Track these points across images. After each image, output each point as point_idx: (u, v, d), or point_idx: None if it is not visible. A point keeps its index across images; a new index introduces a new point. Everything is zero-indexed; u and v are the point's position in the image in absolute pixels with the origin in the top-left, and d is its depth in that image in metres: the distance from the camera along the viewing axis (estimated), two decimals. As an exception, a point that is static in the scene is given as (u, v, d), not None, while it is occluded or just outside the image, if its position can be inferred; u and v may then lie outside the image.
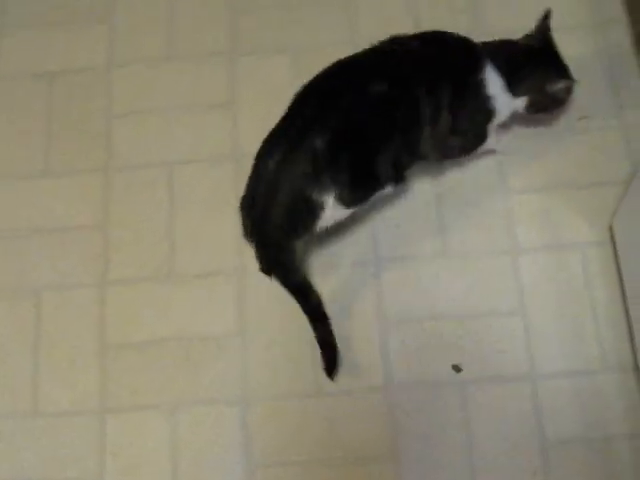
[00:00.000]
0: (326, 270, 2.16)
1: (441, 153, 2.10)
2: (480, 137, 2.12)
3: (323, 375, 2.03)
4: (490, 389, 2.04)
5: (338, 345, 2.00)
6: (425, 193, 2.23)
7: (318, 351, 2.01)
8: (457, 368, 2.05)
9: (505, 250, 2.17)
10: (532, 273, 2.13)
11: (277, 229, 1.92)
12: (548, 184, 2.22)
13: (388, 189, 2.04)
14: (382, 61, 1.98)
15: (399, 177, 2.03)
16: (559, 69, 2.13)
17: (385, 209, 2.20)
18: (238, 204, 1.98)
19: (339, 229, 2.15)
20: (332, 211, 1.94)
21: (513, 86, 2.07)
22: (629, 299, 2.02)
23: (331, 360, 2.01)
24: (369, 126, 1.92)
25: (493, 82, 2.04)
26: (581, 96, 2.24)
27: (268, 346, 2.10)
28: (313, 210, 1.91)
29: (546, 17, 2.13)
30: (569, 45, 2.19)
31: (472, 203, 2.20)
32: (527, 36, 2.15)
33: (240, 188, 2.15)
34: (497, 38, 2.12)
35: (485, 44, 2.08)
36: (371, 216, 2.19)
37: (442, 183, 2.23)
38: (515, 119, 2.19)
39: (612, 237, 2.12)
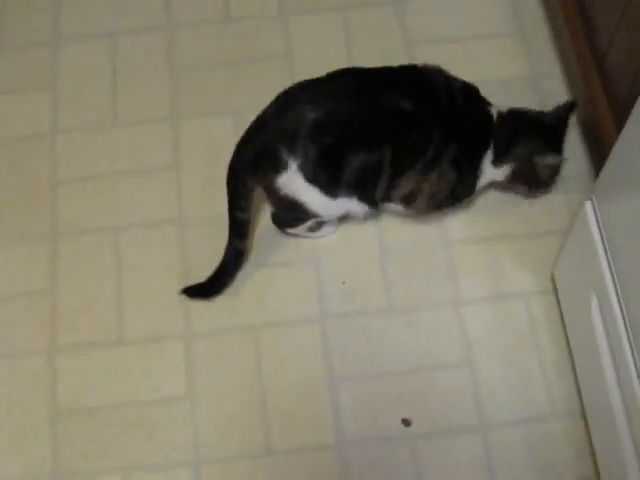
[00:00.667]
0: (271, 327, 2.18)
1: (408, 201, 2.11)
2: (455, 200, 2.16)
3: (274, 434, 2.05)
4: (441, 442, 2.06)
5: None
6: (370, 248, 2.26)
7: (267, 411, 2.02)
8: (407, 422, 2.07)
9: (449, 302, 2.20)
10: (477, 324, 2.16)
11: (246, 163, 2.01)
12: (489, 235, 2.26)
13: (350, 203, 2.08)
14: (416, 84, 2.04)
15: (360, 192, 2.06)
16: (554, 145, 2.16)
17: (331, 265, 2.22)
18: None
19: (286, 285, 2.17)
20: (291, 176, 1.98)
21: (501, 154, 2.12)
22: (573, 347, 2.05)
23: (215, 282, 2.15)
24: (363, 125, 1.98)
25: (487, 158, 2.10)
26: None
27: (217, 408, 2.10)
28: (276, 164, 1.98)
29: (571, 107, 2.18)
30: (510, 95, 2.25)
31: (415, 256, 2.24)
32: (542, 112, 2.18)
33: (186, 251, 2.18)
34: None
35: (498, 114, 2.12)
36: (317, 272, 2.20)
37: (386, 237, 2.26)
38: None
39: (554, 285, 2.15)
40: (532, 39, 2.53)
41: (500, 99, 2.19)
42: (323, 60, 2.48)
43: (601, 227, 1.79)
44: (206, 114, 2.44)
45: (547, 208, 2.29)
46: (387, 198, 2.08)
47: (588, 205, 1.83)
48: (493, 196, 2.30)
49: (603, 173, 1.74)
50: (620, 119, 1.95)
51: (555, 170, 2.18)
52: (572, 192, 2.30)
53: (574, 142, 2.36)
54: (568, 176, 2.31)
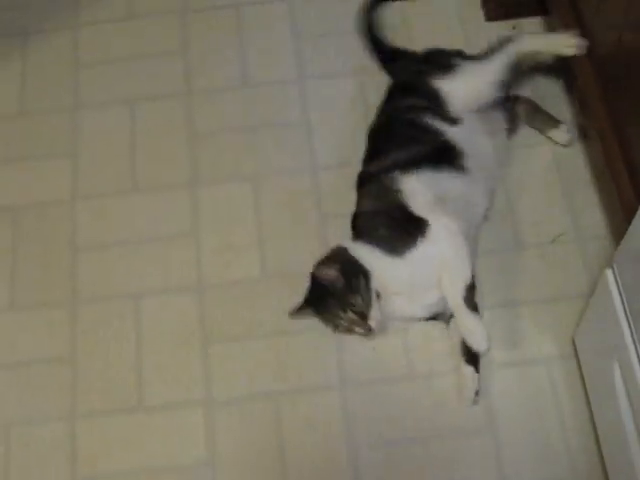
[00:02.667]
0: (292, 394, 2.17)
1: None
2: None
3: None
4: (463, 508, 2.04)
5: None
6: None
7: (289, 478, 2.04)
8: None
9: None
10: (499, 389, 2.16)
11: None
12: (509, 299, 2.26)
13: None
14: None
15: None
16: None
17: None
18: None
19: (306, 351, 2.19)
20: None
21: None
22: (595, 412, 2.04)
23: None
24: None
25: None
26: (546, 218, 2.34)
27: (238, 475, 2.10)
28: None
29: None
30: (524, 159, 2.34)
31: (436, 323, 2.22)
32: None
33: (205, 317, 2.19)
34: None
35: None
36: (337, 338, 2.20)
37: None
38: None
39: (575, 350, 2.14)
40: (548, 102, 2.52)
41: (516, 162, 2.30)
42: (343, 124, 2.50)
43: (622, 295, 1.78)
44: (225, 180, 2.46)
45: (565, 271, 2.29)
46: None
47: (609, 273, 1.83)
48: (512, 259, 2.30)
49: (624, 242, 1.74)
50: (638, 181, 1.97)
51: None
52: (590, 255, 2.31)
53: (592, 202, 2.37)
54: (586, 238, 2.32)
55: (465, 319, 1.99)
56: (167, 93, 2.59)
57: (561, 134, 2.43)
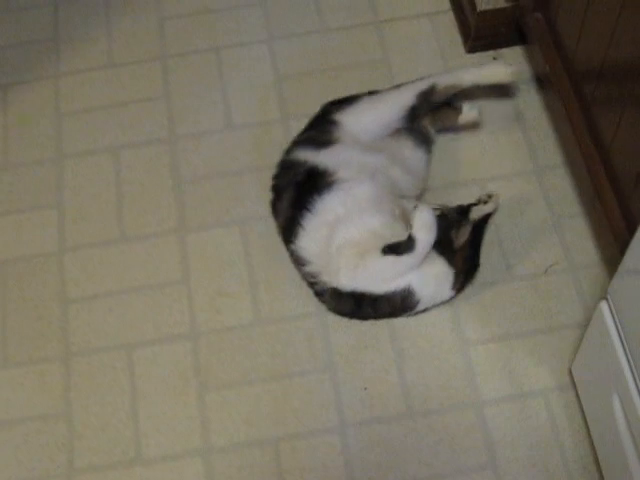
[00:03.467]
0: (291, 439, 2.16)
1: None
2: None
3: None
4: None
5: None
6: (385, 354, 2.24)
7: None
8: (434, 531, 2.04)
9: (469, 403, 2.18)
10: (498, 424, 2.15)
11: None
12: (503, 332, 2.26)
13: None
14: None
15: None
16: None
17: (347, 372, 2.22)
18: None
19: (303, 395, 2.18)
20: None
21: None
22: (595, 442, 2.03)
23: None
24: None
25: None
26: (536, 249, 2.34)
27: (242, 526, 2.08)
28: None
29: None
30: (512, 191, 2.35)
31: (431, 358, 2.23)
32: None
33: (199, 364, 2.17)
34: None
35: None
36: (333, 380, 2.20)
37: (401, 341, 2.24)
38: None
39: (572, 380, 2.14)
40: (533, 132, 2.53)
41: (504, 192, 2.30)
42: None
43: (618, 326, 1.78)
44: (213, 225, 2.44)
45: (559, 300, 2.29)
46: None
47: (604, 305, 1.83)
48: (505, 291, 2.30)
49: (617, 274, 1.74)
50: (627, 210, 1.97)
51: None
52: (583, 283, 2.31)
53: (582, 232, 2.37)
54: (578, 266, 2.32)
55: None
56: (151, 139, 2.58)
57: (469, 114, 2.43)
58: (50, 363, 2.29)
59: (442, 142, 2.54)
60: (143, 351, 2.28)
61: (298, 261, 2.20)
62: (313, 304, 2.27)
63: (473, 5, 2.58)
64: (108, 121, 2.64)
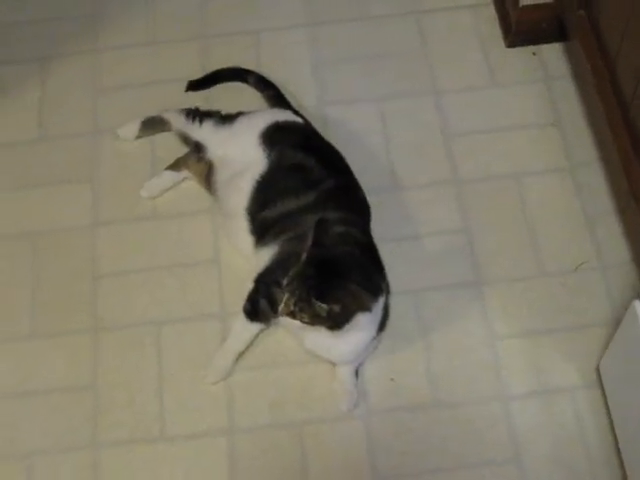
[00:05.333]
0: (316, 423, 2.17)
1: None
2: None
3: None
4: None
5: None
6: (413, 345, 2.24)
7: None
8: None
9: (495, 397, 2.18)
10: (524, 419, 2.15)
11: None
12: (532, 328, 2.26)
13: None
14: None
15: None
16: None
17: (375, 361, 2.21)
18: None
19: (330, 381, 2.17)
20: None
21: None
22: (620, 442, 2.03)
23: None
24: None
25: None
26: (568, 246, 2.33)
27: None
28: None
29: None
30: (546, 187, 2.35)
31: (460, 351, 2.22)
32: None
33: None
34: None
35: None
36: (361, 368, 2.20)
37: (429, 333, 2.25)
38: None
39: (599, 378, 2.13)
40: (569, 129, 2.52)
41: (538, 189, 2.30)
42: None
43: (651, 326, 1.78)
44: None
45: (588, 298, 2.29)
46: None
47: (637, 304, 1.83)
48: (535, 287, 2.30)
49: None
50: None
51: None
52: (613, 282, 2.31)
53: (614, 231, 2.36)
54: (609, 265, 2.32)
55: None
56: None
57: None
58: (79, 336, 2.30)
59: (476, 139, 2.53)
60: (172, 329, 2.29)
61: None
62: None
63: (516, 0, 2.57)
64: (145, 98, 2.65)
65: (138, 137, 2.54)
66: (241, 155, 2.28)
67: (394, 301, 2.22)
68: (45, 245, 2.43)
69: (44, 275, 2.38)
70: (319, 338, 2.02)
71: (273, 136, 2.27)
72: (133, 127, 2.53)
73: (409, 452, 2.12)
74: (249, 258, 2.23)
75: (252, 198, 2.23)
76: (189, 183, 2.47)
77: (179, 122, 2.44)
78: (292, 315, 1.94)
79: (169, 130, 2.50)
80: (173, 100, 2.59)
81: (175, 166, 2.44)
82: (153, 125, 2.53)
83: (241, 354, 2.20)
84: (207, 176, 2.37)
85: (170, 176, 2.45)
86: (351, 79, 2.64)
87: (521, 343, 2.23)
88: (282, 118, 2.34)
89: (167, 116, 2.49)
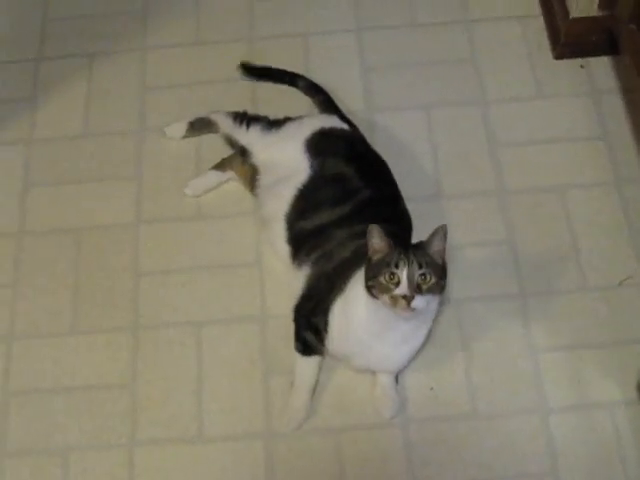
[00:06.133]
0: (353, 430, 2.15)
1: None
2: None
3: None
4: None
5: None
6: (454, 354, 2.24)
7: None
8: (491, 534, 2.04)
9: (534, 409, 2.17)
10: (562, 433, 2.14)
11: None
12: (573, 342, 2.24)
13: None
14: None
15: None
16: None
17: (415, 370, 2.20)
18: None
19: (368, 388, 2.17)
20: None
21: None
22: (660, 461, 2.02)
23: None
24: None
25: None
26: (612, 260, 2.33)
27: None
28: None
29: None
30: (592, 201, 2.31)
31: (500, 363, 2.21)
32: None
33: (267, 348, 2.18)
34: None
35: None
36: (401, 377, 2.19)
37: (470, 343, 2.24)
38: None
39: (640, 396, 2.13)
40: (616, 143, 2.50)
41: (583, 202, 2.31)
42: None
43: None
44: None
45: (631, 314, 2.28)
46: None
47: (681, 322, 1.81)
48: (577, 301, 2.29)
49: None
50: None
51: None
52: (656, 299, 2.28)
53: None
54: (651, 280, 2.29)
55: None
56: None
57: None
58: (118, 333, 2.31)
59: (522, 150, 2.53)
60: (212, 329, 2.30)
61: None
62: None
63: (565, 11, 2.56)
64: (191, 98, 2.66)
65: (185, 137, 2.54)
66: (286, 161, 2.27)
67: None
68: (88, 241, 2.44)
69: (86, 271, 2.39)
70: (377, 349, 2.03)
71: (318, 144, 2.27)
72: (181, 127, 2.53)
73: (446, 462, 2.11)
74: (287, 266, 2.22)
75: (292, 206, 2.22)
76: (233, 185, 2.47)
77: (227, 125, 2.44)
78: (418, 289, 1.88)
79: (216, 132, 2.50)
80: (218, 101, 2.61)
81: (220, 166, 2.44)
82: (201, 126, 2.53)
83: (314, 389, 2.19)
84: (251, 179, 2.36)
85: (215, 176, 2.45)
86: (399, 86, 2.63)
87: (562, 356, 2.22)
88: (328, 125, 2.34)
89: (215, 118, 2.49)
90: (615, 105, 2.58)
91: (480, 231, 2.39)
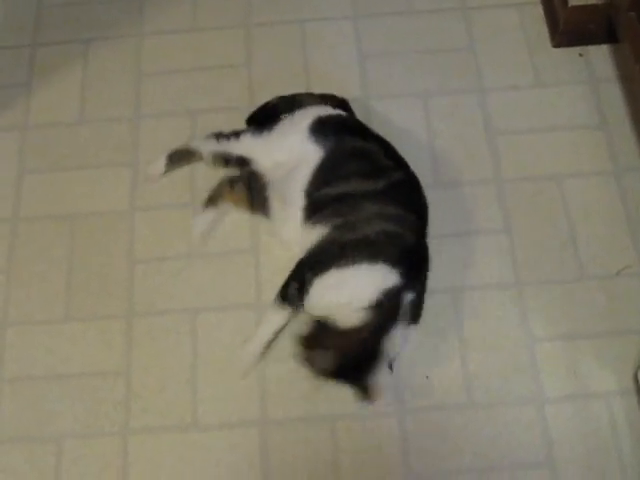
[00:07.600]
0: (348, 419, 2.16)
1: None
2: None
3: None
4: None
5: None
6: (449, 343, 2.22)
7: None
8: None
9: (530, 400, 2.16)
10: (558, 423, 2.13)
11: None
12: (571, 332, 2.24)
13: None
14: None
15: None
16: None
17: (410, 359, 2.19)
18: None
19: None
20: None
21: None
22: (656, 451, 2.01)
23: None
24: None
25: None
26: (610, 250, 2.31)
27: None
28: None
29: None
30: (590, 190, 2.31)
31: (496, 352, 2.20)
32: None
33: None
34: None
35: None
36: (395, 365, 2.17)
37: (466, 332, 2.23)
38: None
39: (637, 386, 2.12)
40: (614, 132, 2.49)
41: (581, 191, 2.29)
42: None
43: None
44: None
45: (628, 304, 2.27)
46: None
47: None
48: (574, 291, 2.28)
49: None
50: None
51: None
52: (655, 290, 2.27)
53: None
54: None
55: None
56: (230, 106, 2.57)
57: None
58: (113, 321, 2.29)
59: (520, 138, 2.51)
60: (207, 317, 2.28)
61: None
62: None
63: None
64: (187, 85, 2.64)
65: (167, 172, 2.49)
66: (291, 155, 2.24)
67: (432, 298, 2.19)
68: (83, 228, 2.42)
69: (81, 258, 2.38)
70: None
71: (325, 126, 2.24)
72: (159, 164, 2.47)
73: (441, 451, 2.11)
74: (292, 245, 2.20)
75: (311, 181, 2.18)
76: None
77: (211, 146, 2.40)
78: None
79: (199, 160, 2.45)
80: (215, 87, 2.60)
81: (212, 202, 2.40)
82: (180, 157, 2.48)
83: (270, 342, 2.19)
84: (247, 199, 2.35)
85: (212, 215, 2.41)
86: (396, 73, 2.61)
87: (558, 346, 2.22)
88: (325, 112, 2.31)
89: (194, 146, 2.45)
90: (614, 94, 2.56)
91: (478, 219, 2.38)
